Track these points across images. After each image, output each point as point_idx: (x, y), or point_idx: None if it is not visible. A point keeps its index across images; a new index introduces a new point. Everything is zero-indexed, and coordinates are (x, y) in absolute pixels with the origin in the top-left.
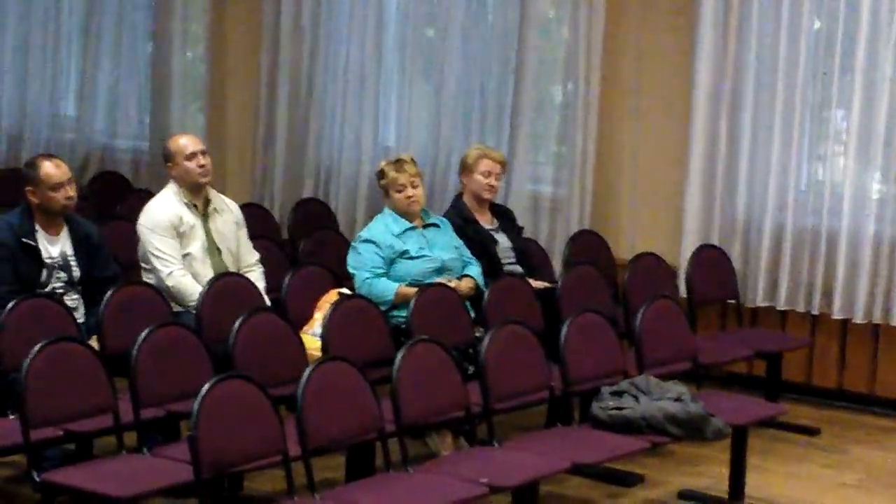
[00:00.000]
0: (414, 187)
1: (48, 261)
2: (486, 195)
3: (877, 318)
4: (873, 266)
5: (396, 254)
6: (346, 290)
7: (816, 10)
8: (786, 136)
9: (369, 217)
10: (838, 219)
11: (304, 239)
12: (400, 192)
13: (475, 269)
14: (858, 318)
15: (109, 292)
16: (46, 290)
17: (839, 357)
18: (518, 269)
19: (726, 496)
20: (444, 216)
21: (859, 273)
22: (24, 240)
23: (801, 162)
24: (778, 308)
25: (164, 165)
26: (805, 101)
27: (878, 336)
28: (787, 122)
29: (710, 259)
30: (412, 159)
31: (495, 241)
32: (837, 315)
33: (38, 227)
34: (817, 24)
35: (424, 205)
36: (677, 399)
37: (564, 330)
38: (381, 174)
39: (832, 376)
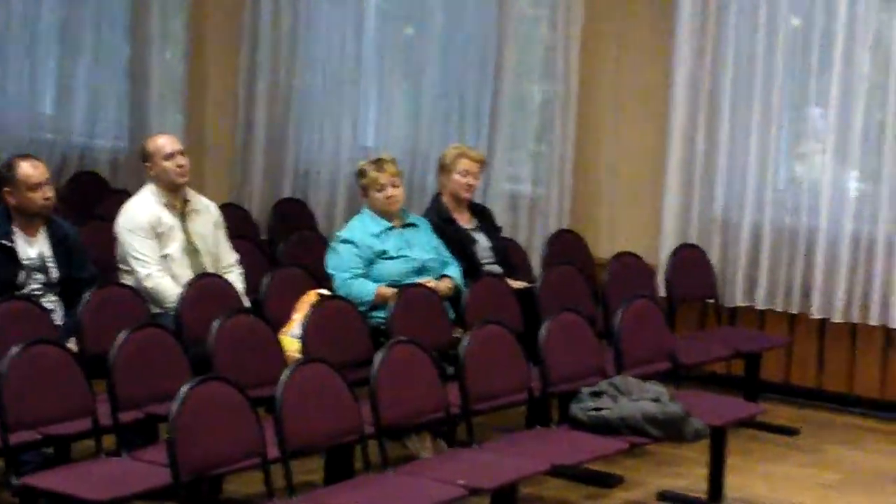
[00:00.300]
0: (394, 187)
1: (26, 262)
2: (465, 195)
3: (855, 317)
4: (851, 265)
5: (375, 254)
6: (325, 291)
7: (794, 8)
8: (764, 135)
9: (348, 217)
10: (817, 218)
11: (282, 239)
12: (380, 191)
13: (454, 270)
14: (837, 318)
15: (88, 294)
16: (24, 291)
17: (818, 356)
18: (497, 268)
19: (705, 497)
20: (422, 216)
21: (838, 272)
22: (1, 241)
23: (780, 161)
24: (756, 307)
25: (142, 166)
26: (783, 99)
27: (856, 336)
28: (765, 120)
29: (689, 258)
30: (392, 159)
31: (474, 241)
32: (816, 314)
33: (15, 228)
34: (795, 23)
35: (403, 205)
36: (656, 399)
37: (543, 330)
38: (362, 174)
39: (811, 376)
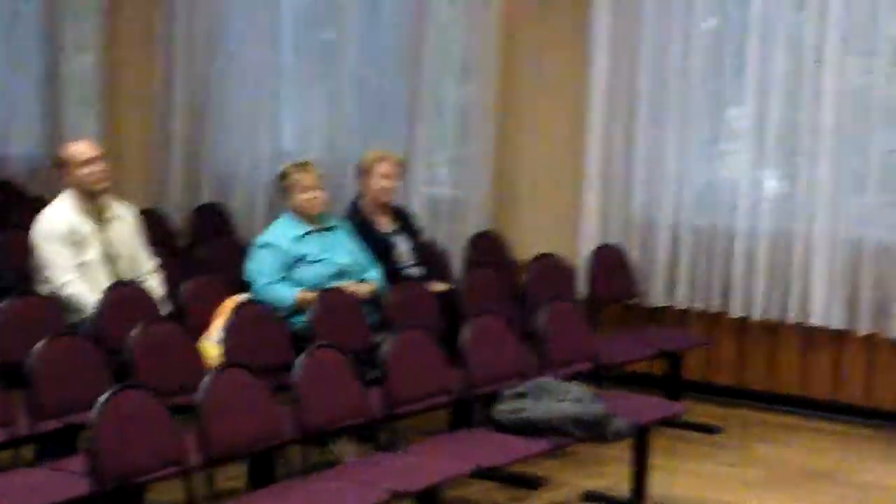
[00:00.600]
0: (317, 189)
1: None
2: (384, 198)
3: (774, 315)
4: (770, 264)
5: (295, 258)
6: (245, 297)
7: (709, 9)
8: (682, 135)
9: (268, 222)
10: (735, 217)
11: (202, 245)
12: (304, 192)
13: (375, 273)
14: (756, 316)
15: (3, 303)
16: None
17: (739, 355)
18: (418, 271)
19: (629, 496)
20: (342, 220)
21: (756, 271)
22: None
23: (698, 160)
24: (677, 307)
25: (58, 173)
26: (700, 99)
27: (776, 333)
28: (683, 121)
29: (610, 259)
30: (314, 163)
31: (394, 244)
32: (736, 313)
33: None
34: (710, 23)
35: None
36: (578, 400)
37: (465, 332)
38: (284, 176)
39: (732, 374)
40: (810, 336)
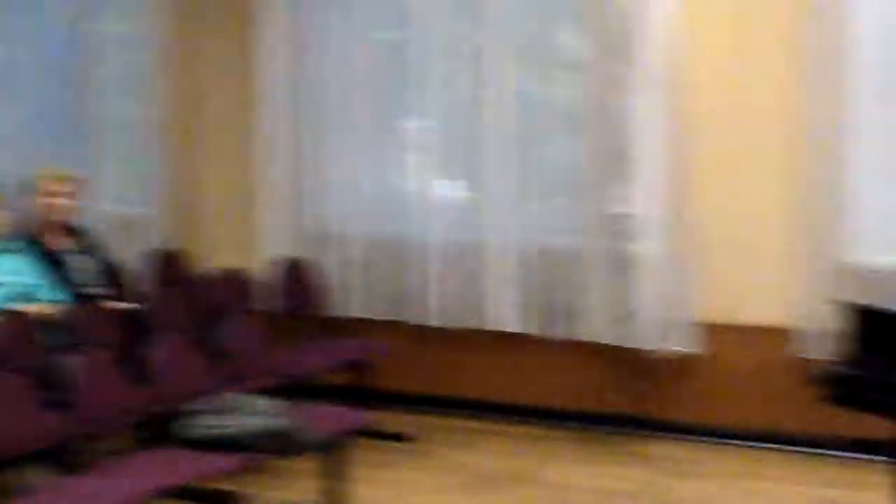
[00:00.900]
0: None
1: None
2: (57, 217)
3: (466, 322)
4: (459, 272)
5: None
6: None
7: (389, 20)
8: (361, 146)
9: None
10: (420, 226)
11: None
12: None
13: (56, 294)
14: (434, 323)
15: None
16: None
17: (429, 363)
18: (101, 290)
19: None
20: (18, 240)
21: (447, 279)
22: None
23: (379, 171)
24: (362, 317)
25: None
26: (383, 111)
27: (463, 340)
28: (365, 132)
29: (293, 271)
30: None
31: (70, 263)
32: (424, 322)
33: None
34: (392, 35)
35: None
36: (267, 414)
37: (151, 351)
38: None
39: (422, 382)
40: (497, 341)
